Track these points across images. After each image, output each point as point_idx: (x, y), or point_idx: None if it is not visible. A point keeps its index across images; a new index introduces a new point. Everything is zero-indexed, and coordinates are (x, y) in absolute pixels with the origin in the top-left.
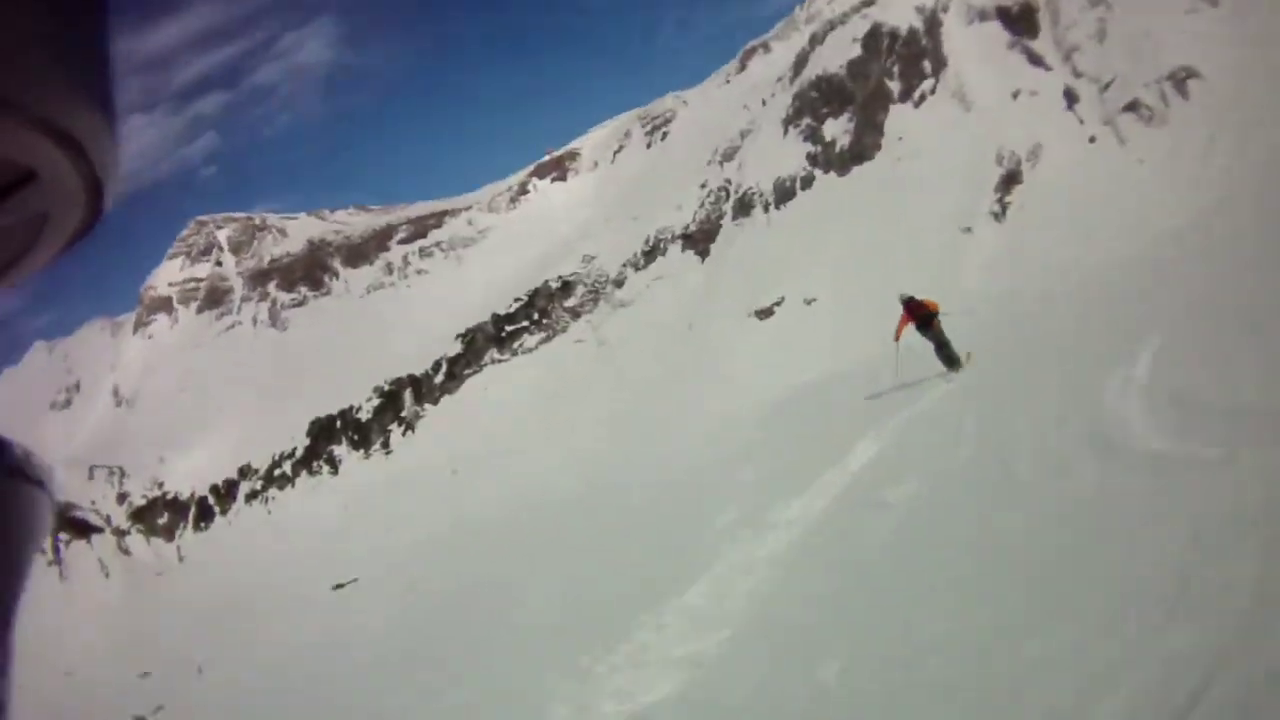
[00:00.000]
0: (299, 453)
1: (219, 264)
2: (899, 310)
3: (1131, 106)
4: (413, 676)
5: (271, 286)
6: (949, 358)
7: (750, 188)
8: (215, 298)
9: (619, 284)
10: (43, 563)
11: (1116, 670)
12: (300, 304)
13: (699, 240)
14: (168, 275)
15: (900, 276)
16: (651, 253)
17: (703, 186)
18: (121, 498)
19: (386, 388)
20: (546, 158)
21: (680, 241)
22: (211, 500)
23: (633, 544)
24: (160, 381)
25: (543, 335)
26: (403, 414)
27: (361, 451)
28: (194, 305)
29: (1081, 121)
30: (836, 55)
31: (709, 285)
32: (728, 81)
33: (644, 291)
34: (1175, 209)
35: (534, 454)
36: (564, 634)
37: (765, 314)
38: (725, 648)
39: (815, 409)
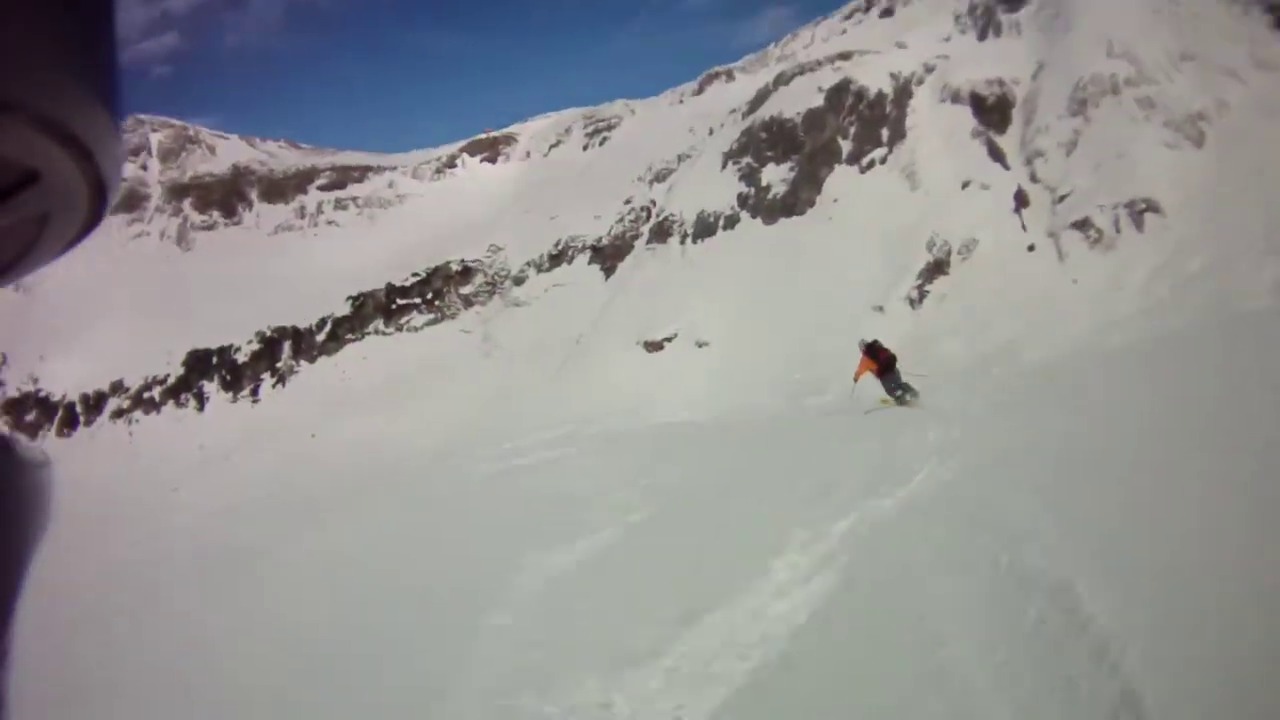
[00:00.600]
0: (170, 380)
1: (144, 168)
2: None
3: (1081, 225)
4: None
5: (187, 204)
6: (906, 393)
7: (673, 215)
8: (132, 202)
9: (518, 282)
10: None
11: None
12: (210, 228)
13: (609, 256)
14: None
15: (799, 342)
16: (558, 257)
17: (626, 202)
18: None
19: (269, 334)
20: (483, 135)
21: (589, 253)
22: (79, 409)
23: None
24: (61, 276)
25: (431, 317)
26: (278, 365)
27: (231, 394)
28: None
29: (1025, 228)
30: (796, 101)
31: (607, 305)
32: (681, 101)
33: (541, 295)
34: (1093, 334)
35: (395, 434)
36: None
37: (655, 347)
38: None
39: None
